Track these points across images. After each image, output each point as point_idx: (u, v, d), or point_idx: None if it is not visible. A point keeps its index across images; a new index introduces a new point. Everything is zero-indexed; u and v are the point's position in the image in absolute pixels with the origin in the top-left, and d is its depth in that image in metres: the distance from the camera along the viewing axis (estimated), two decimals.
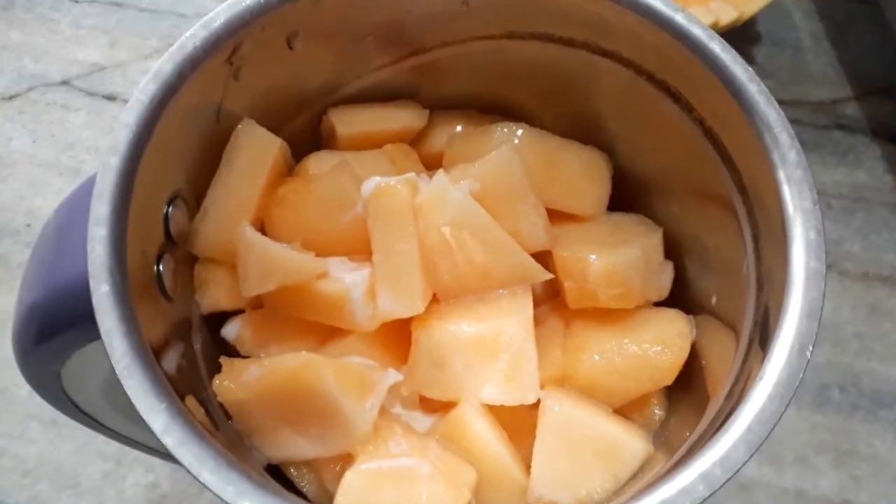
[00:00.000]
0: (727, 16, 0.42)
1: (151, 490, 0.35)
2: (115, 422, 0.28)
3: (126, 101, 0.45)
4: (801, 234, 0.21)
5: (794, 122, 0.44)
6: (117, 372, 0.19)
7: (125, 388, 0.19)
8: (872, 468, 0.36)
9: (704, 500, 0.18)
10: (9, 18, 0.48)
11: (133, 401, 0.19)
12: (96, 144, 0.44)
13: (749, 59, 0.46)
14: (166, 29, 0.48)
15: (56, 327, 0.22)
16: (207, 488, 0.18)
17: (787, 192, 0.22)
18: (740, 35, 0.46)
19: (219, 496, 0.18)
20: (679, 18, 0.24)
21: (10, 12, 0.49)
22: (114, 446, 0.34)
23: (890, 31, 0.45)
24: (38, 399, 0.25)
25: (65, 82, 0.46)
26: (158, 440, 0.19)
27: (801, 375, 0.19)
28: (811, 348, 0.20)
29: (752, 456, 0.19)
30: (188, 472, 0.18)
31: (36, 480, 0.36)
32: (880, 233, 0.41)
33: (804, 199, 0.21)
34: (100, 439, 0.33)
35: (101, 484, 0.35)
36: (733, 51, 0.23)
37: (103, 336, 0.19)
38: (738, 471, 0.18)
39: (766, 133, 0.22)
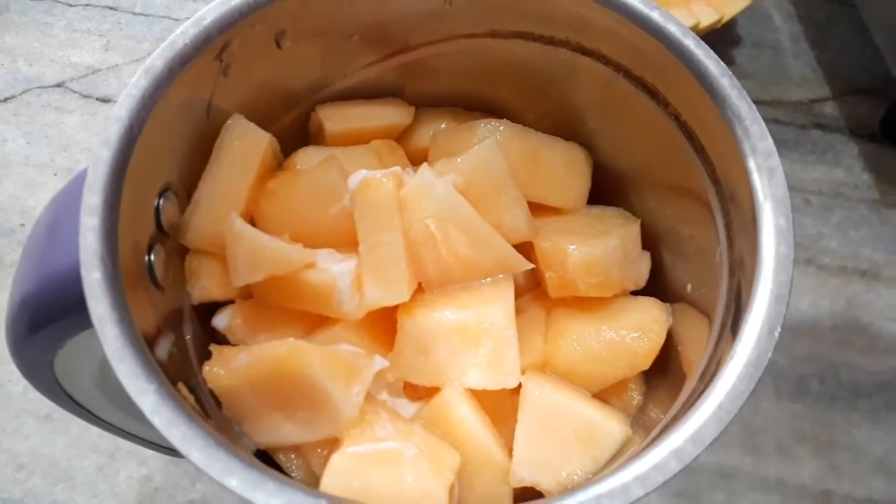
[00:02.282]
0: (708, 18, 0.43)
1: (145, 483, 0.36)
2: (107, 412, 0.28)
3: None
4: (770, 220, 0.22)
5: (773, 121, 0.46)
6: (108, 356, 0.19)
7: (115, 371, 0.19)
8: (851, 457, 0.37)
9: (676, 473, 0.19)
10: (3, 22, 0.49)
11: (123, 383, 0.19)
12: (90, 146, 0.45)
13: (729, 60, 0.47)
14: (160, 32, 0.49)
15: (48, 316, 0.22)
16: (196, 466, 0.19)
17: (757, 181, 0.22)
18: (721, 37, 0.47)
19: (207, 474, 0.18)
20: (655, 16, 0.25)
21: (4, 16, 0.49)
22: (107, 440, 0.35)
23: (867, 32, 0.46)
24: (32, 394, 0.26)
25: (59, 85, 0.47)
26: (151, 429, 0.19)
27: (769, 356, 0.20)
28: (779, 329, 0.20)
29: (722, 433, 0.19)
30: (177, 450, 0.19)
31: (30, 475, 0.36)
32: (858, 228, 0.42)
33: (774, 186, 0.22)
34: (93, 433, 0.34)
35: (94, 477, 0.36)
36: (706, 46, 0.24)
37: (94, 322, 0.20)
38: (708, 446, 0.19)
39: (737, 124, 0.23)
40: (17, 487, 0.36)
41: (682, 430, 0.19)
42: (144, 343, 0.20)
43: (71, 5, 0.50)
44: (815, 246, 0.42)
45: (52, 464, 0.36)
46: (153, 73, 0.23)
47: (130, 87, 0.22)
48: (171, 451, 0.32)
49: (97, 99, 0.47)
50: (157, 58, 0.23)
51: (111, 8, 0.50)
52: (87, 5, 0.50)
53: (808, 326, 0.39)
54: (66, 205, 0.23)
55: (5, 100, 0.46)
